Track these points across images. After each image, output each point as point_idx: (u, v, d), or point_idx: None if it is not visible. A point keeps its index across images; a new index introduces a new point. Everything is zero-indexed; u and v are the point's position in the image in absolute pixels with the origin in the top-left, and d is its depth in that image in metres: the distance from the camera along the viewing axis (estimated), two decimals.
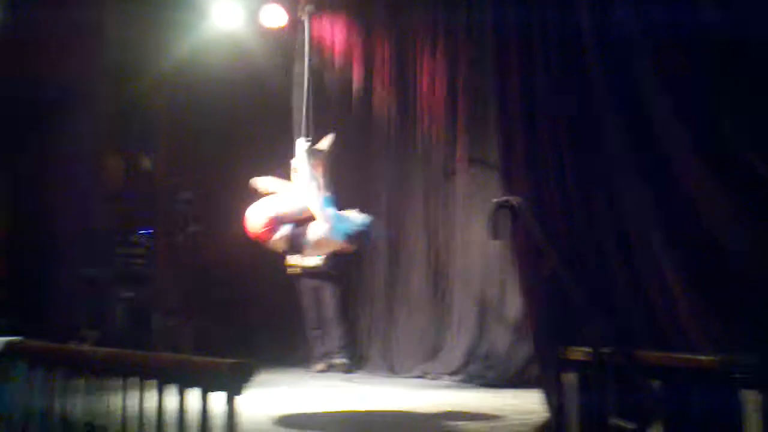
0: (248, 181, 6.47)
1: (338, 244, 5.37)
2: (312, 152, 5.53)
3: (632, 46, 3.85)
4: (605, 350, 3.09)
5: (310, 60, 6.00)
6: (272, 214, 5.27)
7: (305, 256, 5.84)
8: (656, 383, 3.01)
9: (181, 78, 9.23)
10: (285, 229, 5.25)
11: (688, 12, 3.66)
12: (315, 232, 5.21)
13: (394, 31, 8.22)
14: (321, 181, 5.49)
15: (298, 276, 7.98)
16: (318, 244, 5.28)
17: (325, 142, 5.68)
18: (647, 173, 3.75)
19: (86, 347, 4.94)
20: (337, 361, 7.77)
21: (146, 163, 9.75)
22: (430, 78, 7.85)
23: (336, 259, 7.61)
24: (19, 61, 7.55)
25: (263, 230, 5.26)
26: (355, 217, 5.30)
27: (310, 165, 5.40)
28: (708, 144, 3.56)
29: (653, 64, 3.77)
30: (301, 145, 5.46)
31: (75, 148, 7.45)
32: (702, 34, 3.64)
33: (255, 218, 5.27)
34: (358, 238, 5.29)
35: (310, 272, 7.88)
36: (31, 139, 7.36)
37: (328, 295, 7.96)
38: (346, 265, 8.03)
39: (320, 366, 7.85)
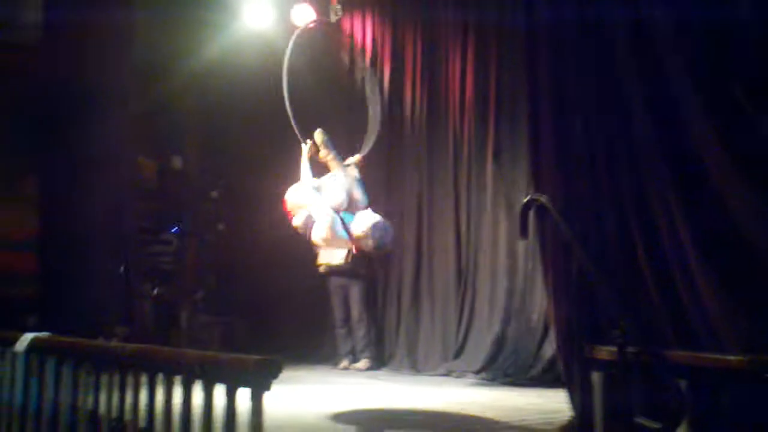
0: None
1: (344, 242, 5.55)
2: (341, 166, 5.76)
3: (663, 42, 3.82)
4: (631, 349, 3.07)
5: (289, 60, 6.12)
6: (295, 200, 5.56)
7: (316, 246, 6.00)
8: (683, 383, 2.98)
9: (211, 78, 9.29)
10: (301, 216, 5.51)
11: (721, 6, 3.63)
12: (318, 226, 5.41)
13: (424, 29, 8.23)
14: (348, 184, 5.63)
15: (327, 274, 7.99)
16: (322, 239, 5.52)
17: (352, 160, 5.91)
18: (677, 170, 3.72)
19: (114, 343, 4.99)
20: (357, 364, 7.80)
21: (176, 162, 9.83)
22: (460, 75, 7.84)
23: (361, 257, 7.65)
24: (51, 61, 7.65)
25: (289, 212, 5.60)
26: (364, 219, 5.40)
27: (312, 166, 5.69)
28: (739, 141, 3.52)
29: (684, 59, 3.73)
30: (303, 149, 5.71)
31: (106, 147, 7.52)
32: (734, 29, 3.60)
33: (288, 199, 5.62)
34: (363, 239, 5.41)
35: (337, 270, 7.90)
36: (62, 137, 7.45)
37: (355, 293, 7.98)
38: (372, 264, 8.05)
39: (345, 363, 7.88)
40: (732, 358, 3.03)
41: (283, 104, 7.40)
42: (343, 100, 8.82)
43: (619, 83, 3.97)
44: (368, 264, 7.95)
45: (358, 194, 5.66)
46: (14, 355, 4.14)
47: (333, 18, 7.71)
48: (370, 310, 8.04)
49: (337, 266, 7.80)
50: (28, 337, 4.05)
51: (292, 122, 5.94)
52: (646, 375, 3.15)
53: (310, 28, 7.35)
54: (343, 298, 8.00)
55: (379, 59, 8.54)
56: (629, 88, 3.94)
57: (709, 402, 3.05)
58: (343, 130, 8.20)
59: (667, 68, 3.78)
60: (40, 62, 7.75)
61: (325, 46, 8.78)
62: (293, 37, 6.28)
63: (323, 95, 8.52)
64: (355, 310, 7.95)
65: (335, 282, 8.00)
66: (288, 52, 6.13)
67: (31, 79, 7.92)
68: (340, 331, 8.05)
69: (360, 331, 7.89)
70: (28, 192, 8.16)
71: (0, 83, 8.08)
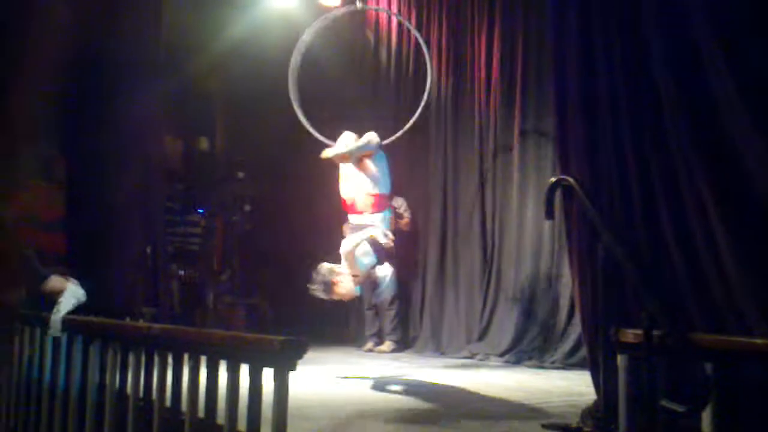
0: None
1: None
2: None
3: (694, 20, 3.74)
4: (657, 332, 3.04)
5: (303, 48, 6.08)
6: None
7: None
8: (709, 366, 2.95)
9: (238, 59, 9.30)
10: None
11: None
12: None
13: (449, 6, 8.17)
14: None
15: None
16: None
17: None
18: (707, 151, 3.66)
19: (141, 323, 5.04)
20: (381, 346, 7.83)
21: (204, 143, 9.89)
22: (487, 55, 7.78)
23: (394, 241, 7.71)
24: (76, 41, 7.67)
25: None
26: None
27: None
28: None
29: (717, 40, 3.65)
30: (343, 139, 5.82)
31: (134, 128, 7.55)
32: None
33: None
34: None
35: None
36: (89, 118, 7.49)
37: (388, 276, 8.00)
38: (406, 247, 8.06)
39: (369, 345, 7.92)
40: (759, 341, 3.00)
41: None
42: (368, 84, 8.79)
43: (648, 65, 3.90)
44: (404, 247, 7.98)
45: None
46: (43, 334, 4.20)
47: (358, 4, 7.64)
48: (398, 293, 8.06)
49: None
50: (58, 317, 4.10)
51: (312, 131, 5.93)
52: (672, 358, 3.13)
53: (336, 17, 7.26)
54: (373, 280, 8.02)
55: (404, 38, 8.50)
56: (659, 69, 3.87)
57: (735, 385, 3.02)
58: (368, 114, 8.18)
59: (699, 47, 3.69)
60: (64, 43, 7.78)
61: (347, 28, 8.74)
62: (309, 30, 6.18)
63: (345, 82, 8.49)
64: (386, 292, 7.98)
65: None
66: (299, 46, 6.06)
67: (57, 58, 7.98)
68: (368, 313, 8.09)
69: (390, 313, 7.92)
70: (59, 176, 8.24)
71: (28, 62, 8.15)
